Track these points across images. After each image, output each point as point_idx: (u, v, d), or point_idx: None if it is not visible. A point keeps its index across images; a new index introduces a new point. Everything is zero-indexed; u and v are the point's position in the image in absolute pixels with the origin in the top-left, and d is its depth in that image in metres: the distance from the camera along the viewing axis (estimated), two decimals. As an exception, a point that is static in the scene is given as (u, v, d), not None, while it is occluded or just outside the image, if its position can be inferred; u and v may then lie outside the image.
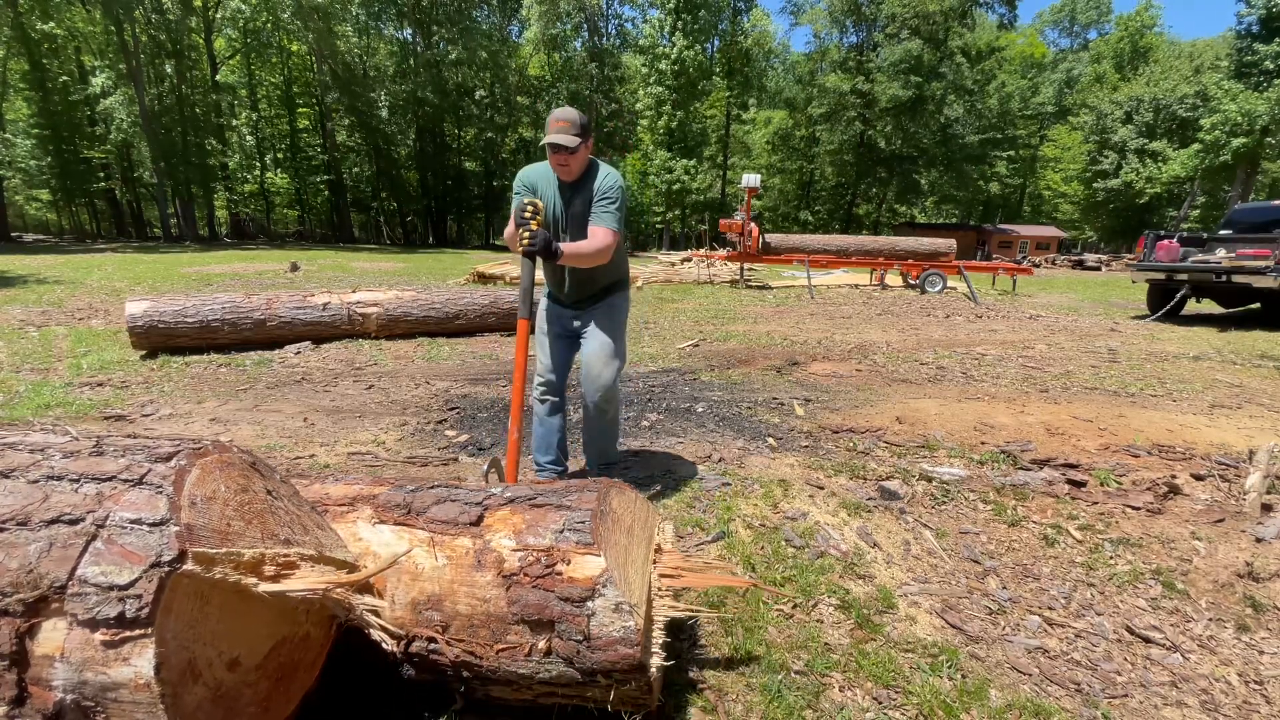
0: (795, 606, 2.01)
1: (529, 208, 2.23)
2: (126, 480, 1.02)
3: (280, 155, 39.09)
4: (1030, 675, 1.79)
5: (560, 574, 1.31)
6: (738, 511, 2.58)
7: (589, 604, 1.27)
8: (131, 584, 0.92)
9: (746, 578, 2.08)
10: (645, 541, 1.58)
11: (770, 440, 3.52)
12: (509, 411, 3.98)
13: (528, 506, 1.45)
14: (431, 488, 1.57)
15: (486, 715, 1.47)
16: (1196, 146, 31.01)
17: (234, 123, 35.81)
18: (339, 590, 1.18)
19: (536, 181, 2.48)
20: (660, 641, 1.40)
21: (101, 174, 32.67)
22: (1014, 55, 45.94)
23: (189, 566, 0.96)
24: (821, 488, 2.84)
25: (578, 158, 2.33)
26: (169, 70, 31.89)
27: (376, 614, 1.29)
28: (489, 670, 1.32)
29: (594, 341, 2.58)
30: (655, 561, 1.62)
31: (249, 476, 1.20)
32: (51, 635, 0.93)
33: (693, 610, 1.73)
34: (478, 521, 1.44)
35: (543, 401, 2.69)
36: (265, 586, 1.06)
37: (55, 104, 29.32)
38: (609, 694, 1.31)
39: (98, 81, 29.13)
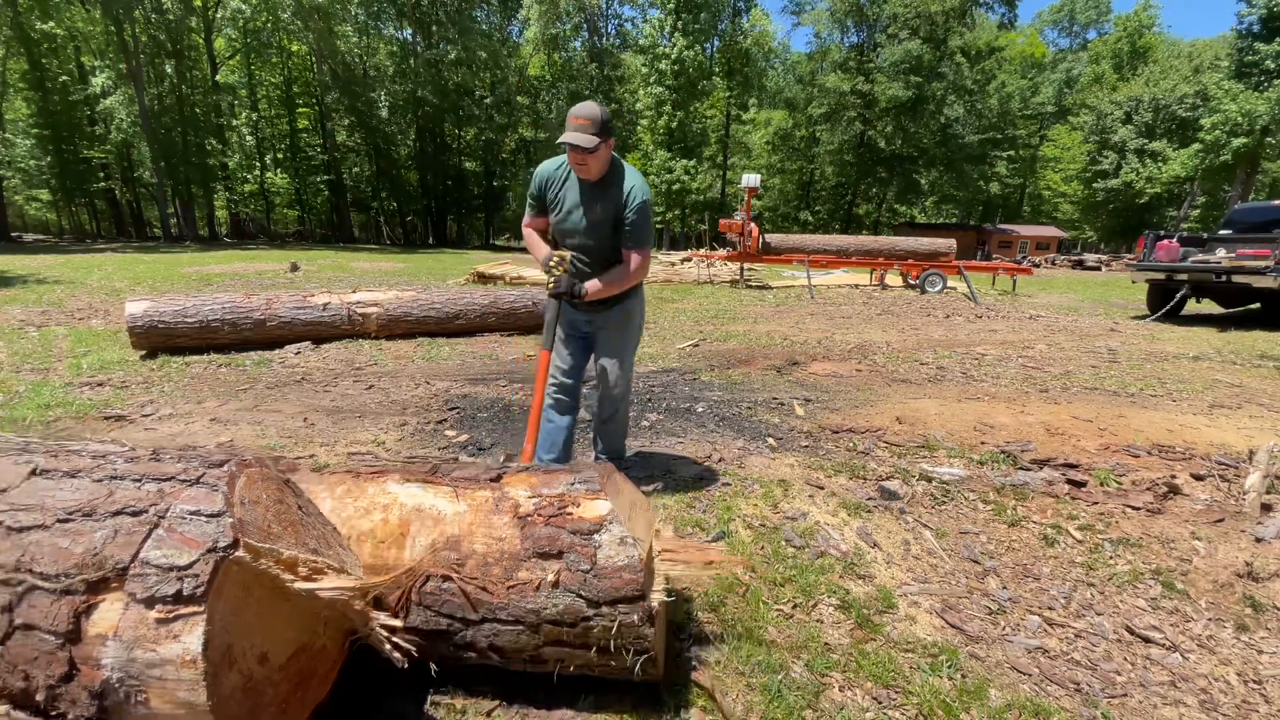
0: (795, 606, 2.02)
1: (554, 258, 2.38)
2: (184, 480, 1.12)
3: (280, 155, 39.08)
4: (1030, 675, 1.79)
5: (571, 514, 1.44)
6: (738, 511, 2.58)
7: (596, 536, 1.40)
8: (190, 565, 1.01)
9: (740, 558, 2.18)
10: (646, 523, 1.65)
11: (770, 440, 3.52)
12: (509, 411, 4.02)
13: (541, 472, 1.61)
14: (452, 460, 1.76)
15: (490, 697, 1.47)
16: (1196, 146, 31.01)
17: (234, 123, 35.79)
18: (359, 602, 1.24)
19: (551, 177, 2.45)
20: (661, 588, 1.48)
21: (101, 174, 32.67)
22: (1014, 55, 45.92)
23: (240, 554, 1.05)
24: (821, 488, 2.85)
25: (597, 157, 2.24)
26: (169, 70, 31.89)
27: (390, 631, 1.32)
28: (498, 607, 1.39)
29: (608, 352, 2.64)
30: (655, 538, 1.70)
31: (284, 491, 1.31)
32: (107, 614, 1.01)
33: (691, 572, 1.77)
34: (497, 479, 1.57)
35: (555, 402, 2.71)
36: (301, 584, 1.15)
37: (55, 104, 29.31)
38: (611, 631, 1.37)
39: (98, 81, 29.12)
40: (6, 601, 1.03)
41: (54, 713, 1.02)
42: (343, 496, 1.58)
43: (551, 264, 2.38)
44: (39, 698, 1.02)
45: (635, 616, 1.37)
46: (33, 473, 1.17)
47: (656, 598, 1.43)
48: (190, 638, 0.98)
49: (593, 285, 2.39)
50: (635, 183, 2.35)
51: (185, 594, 0.99)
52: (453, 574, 1.41)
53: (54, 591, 1.02)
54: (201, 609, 0.99)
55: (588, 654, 1.41)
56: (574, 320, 2.65)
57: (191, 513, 1.06)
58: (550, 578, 1.37)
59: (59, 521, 1.07)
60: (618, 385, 2.67)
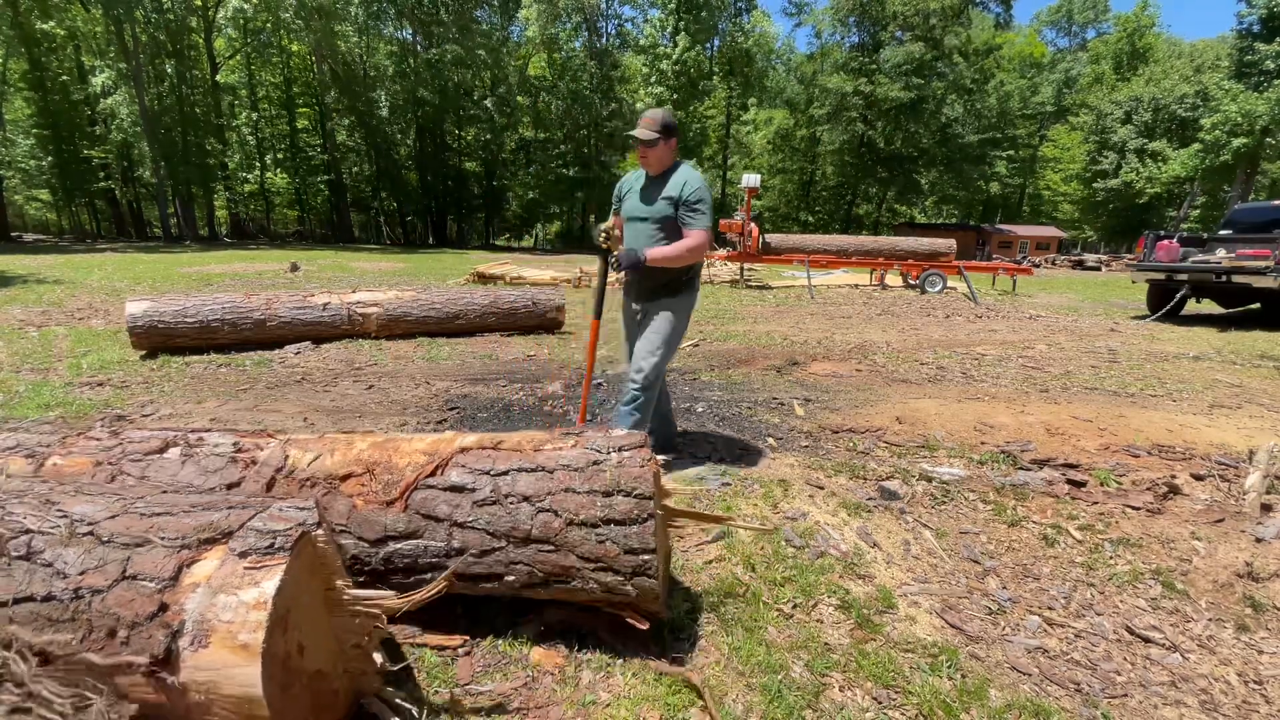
0: (795, 606, 2.02)
1: (601, 234, 2.83)
2: (283, 499, 1.46)
3: (280, 155, 38.99)
4: (1030, 675, 1.79)
5: (591, 430, 1.89)
6: (738, 511, 2.58)
7: (611, 430, 1.87)
8: (284, 530, 1.30)
9: (725, 515, 2.34)
10: None
11: (770, 440, 3.52)
12: (509, 411, 4.02)
13: None
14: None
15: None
16: (1196, 146, 30.95)
17: (234, 123, 35.76)
18: (392, 610, 1.43)
19: (628, 179, 2.89)
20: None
21: (101, 174, 32.59)
22: (1013, 55, 45.87)
23: (319, 532, 1.34)
24: (821, 488, 2.84)
25: (656, 152, 2.64)
26: (169, 70, 31.84)
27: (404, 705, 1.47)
28: (525, 460, 1.76)
29: (644, 336, 2.85)
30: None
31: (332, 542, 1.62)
32: (205, 567, 1.24)
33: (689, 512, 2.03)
34: None
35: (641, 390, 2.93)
36: (351, 590, 1.38)
37: (55, 104, 29.25)
38: (619, 471, 1.69)
39: (98, 81, 29.08)
40: (125, 556, 1.25)
41: (126, 651, 1.18)
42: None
43: (601, 239, 2.80)
44: (120, 635, 1.18)
45: (637, 460, 1.72)
46: (164, 492, 1.49)
47: (658, 456, 1.81)
48: (268, 583, 1.19)
49: (653, 251, 2.65)
50: (690, 175, 2.70)
51: (275, 547, 1.25)
52: (495, 444, 1.80)
53: (170, 547, 1.27)
54: (284, 560, 1.22)
55: (595, 500, 1.66)
56: (633, 313, 2.97)
57: (289, 507, 1.38)
58: (570, 443, 1.79)
59: (184, 512, 1.36)
60: (641, 370, 2.78)
